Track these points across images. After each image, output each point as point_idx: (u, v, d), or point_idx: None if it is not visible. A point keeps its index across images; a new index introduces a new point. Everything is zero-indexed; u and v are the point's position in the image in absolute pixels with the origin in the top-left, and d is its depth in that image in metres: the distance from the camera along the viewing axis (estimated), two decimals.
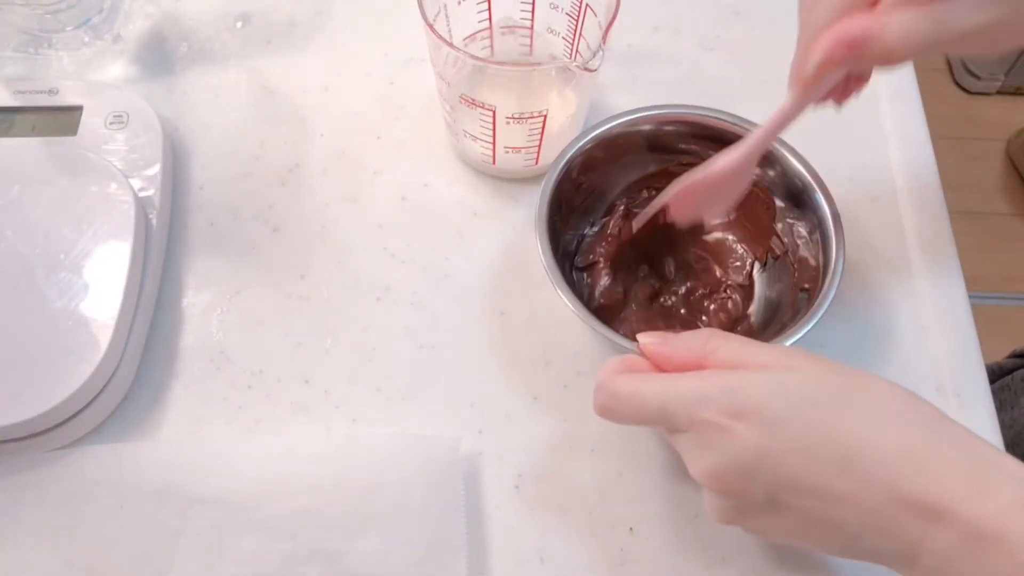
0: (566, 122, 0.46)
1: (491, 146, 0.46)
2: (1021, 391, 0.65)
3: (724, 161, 0.38)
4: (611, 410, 0.34)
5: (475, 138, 0.46)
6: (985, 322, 0.47)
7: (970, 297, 0.46)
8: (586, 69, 0.41)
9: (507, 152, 0.46)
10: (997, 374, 0.69)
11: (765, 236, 0.45)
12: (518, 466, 0.42)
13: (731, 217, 0.46)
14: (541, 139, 0.45)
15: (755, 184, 0.44)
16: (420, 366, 0.44)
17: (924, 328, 0.46)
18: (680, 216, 0.41)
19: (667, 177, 0.46)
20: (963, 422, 0.43)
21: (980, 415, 0.43)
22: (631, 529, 0.40)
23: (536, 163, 0.48)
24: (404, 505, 0.39)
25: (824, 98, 0.38)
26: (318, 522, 0.39)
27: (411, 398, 0.43)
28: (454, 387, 0.44)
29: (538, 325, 0.45)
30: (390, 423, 0.43)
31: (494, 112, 0.43)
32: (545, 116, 0.43)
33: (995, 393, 0.64)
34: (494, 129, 0.44)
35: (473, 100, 0.43)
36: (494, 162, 0.48)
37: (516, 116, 0.43)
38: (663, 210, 0.42)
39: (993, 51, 0.32)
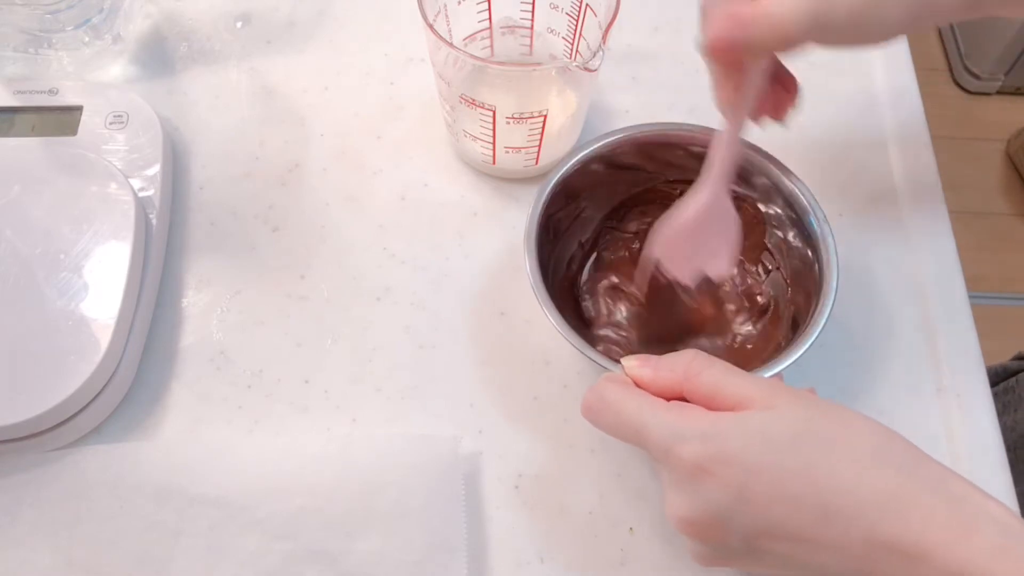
0: (566, 122, 0.46)
1: (491, 146, 0.46)
2: None
3: (694, 203, 0.39)
4: (593, 412, 0.34)
5: (475, 138, 0.46)
6: (985, 322, 0.47)
7: (970, 297, 0.46)
8: (586, 69, 0.41)
9: (507, 152, 0.46)
10: (1001, 376, 0.69)
11: (756, 250, 0.45)
12: (518, 466, 0.42)
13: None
14: (541, 139, 0.45)
15: (743, 200, 0.44)
16: (420, 366, 0.44)
17: (924, 328, 0.46)
18: (683, 274, 0.41)
19: (654, 195, 0.46)
20: (963, 423, 0.43)
21: (980, 416, 0.43)
22: (631, 529, 0.40)
23: (536, 163, 0.48)
24: (404, 505, 0.39)
25: (759, 115, 0.39)
26: (318, 522, 0.39)
27: (411, 398, 0.43)
28: (454, 387, 0.44)
29: (538, 325, 0.45)
30: (390, 423, 0.43)
31: (494, 112, 0.43)
32: (545, 116, 0.43)
33: (999, 395, 0.65)
34: (494, 129, 0.44)
35: (473, 100, 0.43)
36: (494, 162, 0.48)
37: (516, 116, 0.43)
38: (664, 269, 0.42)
39: (866, 40, 0.35)
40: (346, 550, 0.38)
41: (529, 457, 0.42)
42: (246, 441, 0.42)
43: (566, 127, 0.47)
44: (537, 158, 0.47)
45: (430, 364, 0.44)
